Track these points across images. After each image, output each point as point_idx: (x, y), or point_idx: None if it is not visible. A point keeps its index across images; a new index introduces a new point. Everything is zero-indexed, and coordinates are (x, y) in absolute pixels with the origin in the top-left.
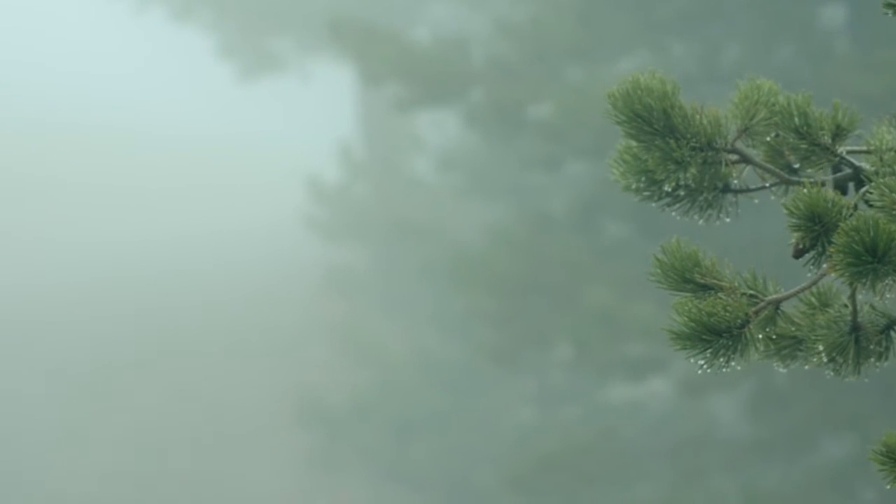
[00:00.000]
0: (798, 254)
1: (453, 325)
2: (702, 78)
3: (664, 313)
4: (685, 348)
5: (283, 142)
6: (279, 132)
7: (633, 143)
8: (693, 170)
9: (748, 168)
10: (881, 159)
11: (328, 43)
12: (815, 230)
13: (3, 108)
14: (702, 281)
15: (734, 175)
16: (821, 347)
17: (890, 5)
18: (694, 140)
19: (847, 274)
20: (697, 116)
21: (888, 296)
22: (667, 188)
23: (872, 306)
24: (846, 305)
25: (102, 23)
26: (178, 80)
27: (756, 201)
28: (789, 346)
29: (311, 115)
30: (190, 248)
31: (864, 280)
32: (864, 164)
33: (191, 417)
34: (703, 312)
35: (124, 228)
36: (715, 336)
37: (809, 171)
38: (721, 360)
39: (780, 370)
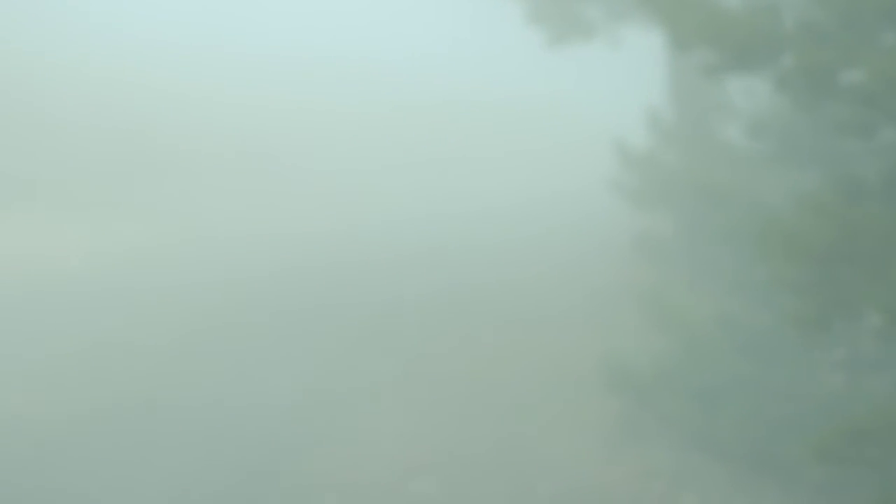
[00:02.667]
0: None
1: (759, 292)
2: None
3: None
4: None
5: (592, 108)
6: (588, 98)
7: None
8: None
9: None
10: None
11: (638, 9)
12: None
13: (342, 90)
14: None
15: None
16: None
17: None
18: None
19: None
20: None
21: None
22: None
23: None
24: None
25: None
26: (491, 47)
27: None
28: None
29: (620, 81)
30: (500, 216)
31: None
32: None
33: (498, 382)
34: None
35: (439, 200)
36: None
37: None
38: None
39: None
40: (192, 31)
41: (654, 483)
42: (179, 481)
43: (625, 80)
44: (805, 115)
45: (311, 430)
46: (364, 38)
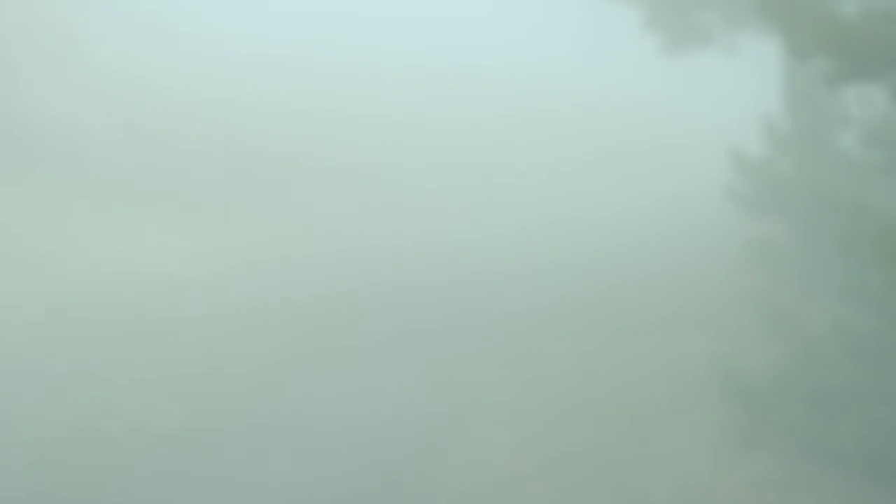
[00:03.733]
0: None
1: (873, 298)
2: None
3: None
4: None
5: (707, 114)
6: (704, 105)
7: None
8: None
9: None
10: None
11: (755, 17)
12: None
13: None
14: None
15: None
16: None
17: None
18: None
19: None
20: None
21: None
22: None
23: None
24: None
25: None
26: (605, 53)
27: None
28: None
29: (736, 89)
30: (611, 220)
31: None
32: None
33: (609, 389)
34: None
35: (550, 206)
36: None
37: None
38: None
39: None
40: (306, 42)
41: (767, 492)
42: (294, 493)
43: (739, 86)
44: None
45: (424, 438)
46: (471, 46)
